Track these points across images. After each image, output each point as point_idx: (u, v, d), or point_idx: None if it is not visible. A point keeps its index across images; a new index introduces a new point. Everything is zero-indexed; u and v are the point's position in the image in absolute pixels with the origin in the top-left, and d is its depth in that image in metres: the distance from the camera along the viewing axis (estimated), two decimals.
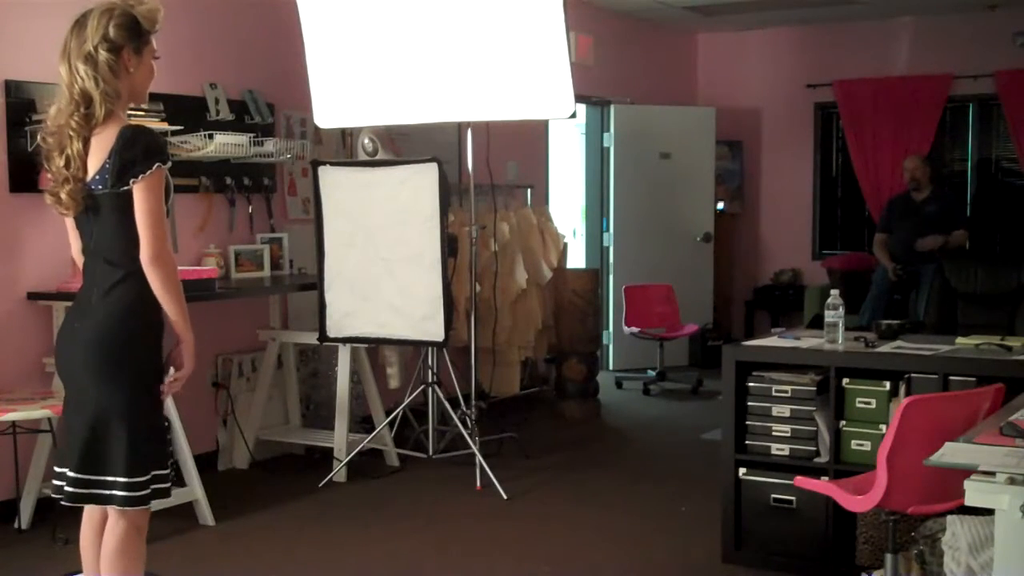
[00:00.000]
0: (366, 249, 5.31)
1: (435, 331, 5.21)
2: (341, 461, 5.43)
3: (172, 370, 3.00)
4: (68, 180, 2.85)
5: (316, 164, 5.43)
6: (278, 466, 5.72)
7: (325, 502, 5.09)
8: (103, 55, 2.82)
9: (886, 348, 3.98)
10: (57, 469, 2.99)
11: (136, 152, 2.81)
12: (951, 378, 3.68)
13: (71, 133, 2.84)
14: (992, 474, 2.19)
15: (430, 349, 5.59)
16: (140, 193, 2.81)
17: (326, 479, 5.35)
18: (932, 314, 7.16)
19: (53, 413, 4.33)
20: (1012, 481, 2.16)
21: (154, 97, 4.97)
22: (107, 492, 2.90)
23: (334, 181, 5.36)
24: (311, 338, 5.57)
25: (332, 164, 5.47)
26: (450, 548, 4.46)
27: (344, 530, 4.68)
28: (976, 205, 8.77)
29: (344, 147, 6.38)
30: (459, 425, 5.52)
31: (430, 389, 5.63)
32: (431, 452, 5.65)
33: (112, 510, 2.95)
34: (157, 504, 4.36)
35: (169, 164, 2.88)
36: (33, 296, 4.80)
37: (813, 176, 9.40)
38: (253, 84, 5.81)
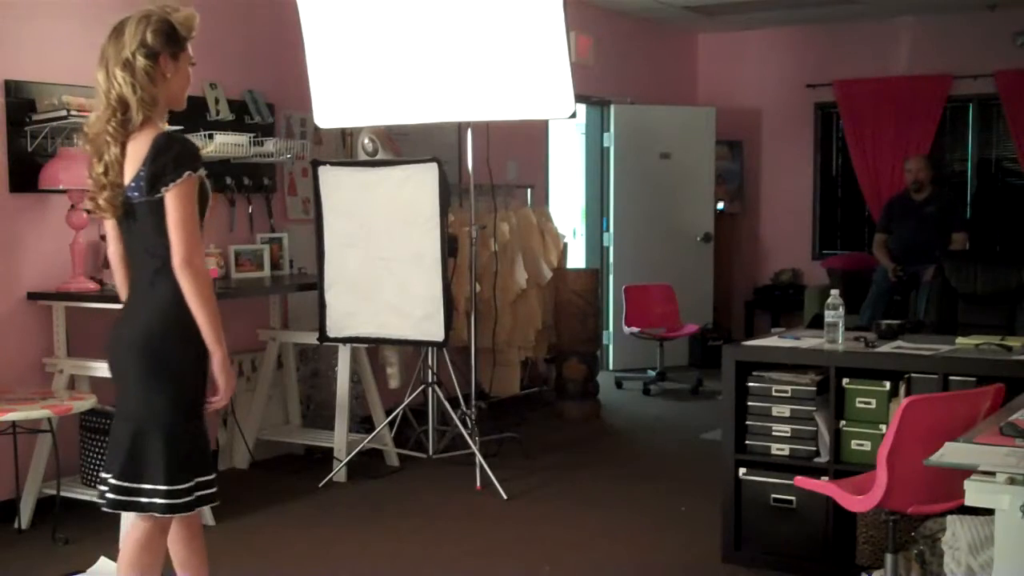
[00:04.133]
0: (366, 249, 5.30)
1: (435, 331, 5.20)
2: (341, 461, 5.43)
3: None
4: (106, 187, 2.88)
5: (316, 164, 5.43)
6: (278, 466, 5.72)
7: (325, 502, 5.09)
8: (141, 61, 2.84)
9: (886, 348, 3.98)
10: (103, 475, 3.01)
11: (167, 161, 2.82)
12: (951, 378, 3.68)
13: (108, 139, 2.86)
14: (992, 474, 2.19)
15: (430, 349, 5.59)
16: (171, 201, 2.82)
17: (326, 479, 5.35)
18: (932, 314, 7.15)
19: (53, 413, 4.34)
20: (1012, 481, 2.15)
21: None
22: (147, 500, 2.90)
23: (334, 181, 5.36)
24: (311, 338, 5.57)
25: (332, 164, 5.47)
26: (450, 548, 4.46)
27: (344, 530, 4.68)
28: (976, 205, 8.77)
29: (344, 147, 6.38)
30: (459, 425, 5.52)
31: (430, 389, 5.63)
32: (431, 452, 5.65)
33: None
34: None
35: (202, 172, 2.90)
36: (33, 296, 4.80)
37: (813, 176, 9.40)
38: (253, 84, 5.81)
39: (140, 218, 2.88)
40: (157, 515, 2.91)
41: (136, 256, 2.95)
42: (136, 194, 2.86)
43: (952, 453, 2.36)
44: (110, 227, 3.02)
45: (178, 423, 2.89)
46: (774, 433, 4.05)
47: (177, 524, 3.01)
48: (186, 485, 2.90)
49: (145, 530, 2.95)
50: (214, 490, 2.99)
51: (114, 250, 3.05)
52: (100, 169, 2.87)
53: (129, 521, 3.09)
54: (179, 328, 2.89)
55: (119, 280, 3.08)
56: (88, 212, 4.71)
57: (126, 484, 2.90)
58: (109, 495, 2.93)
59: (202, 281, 2.86)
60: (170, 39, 2.89)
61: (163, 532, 2.99)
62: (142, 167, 2.83)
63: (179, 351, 2.90)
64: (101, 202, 2.90)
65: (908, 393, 3.70)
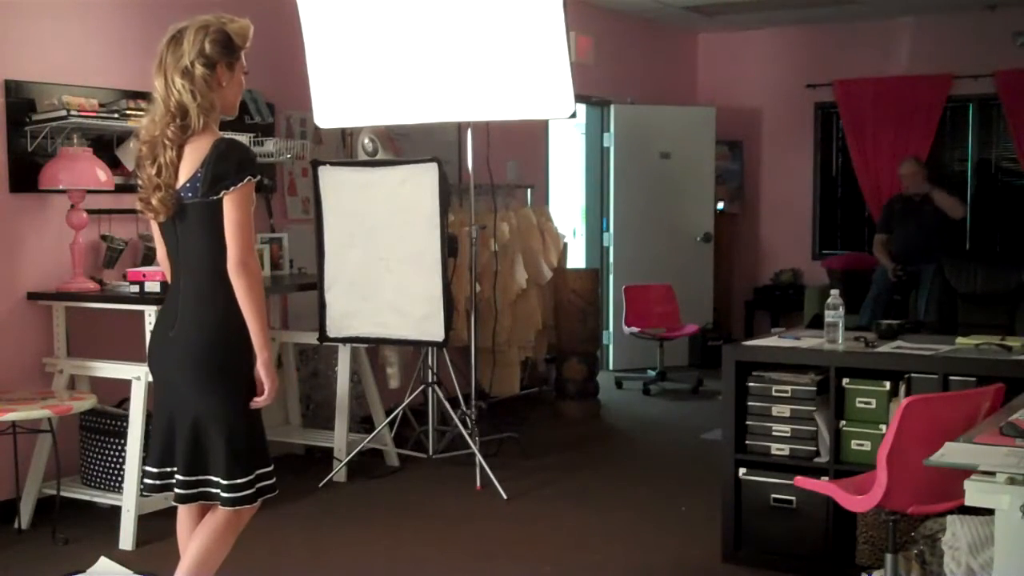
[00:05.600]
0: (366, 249, 5.31)
1: (435, 331, 5.20)
2: (341, 461, 5.44)
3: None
4: (160, 187, 2.95)
5: (316, 164, 5.43)
6: (278, 466, 5.64)
7: (325, 502, 5.10)
8: (200, 70, 2.93)
9: (886, 348, 3.98)
10: (149, 468, 3.09)
11: (230, 165, 2.92)
12: (951, 378, 3.68)
13: (167, 142, 2.94)
14: (992, 474, 2.19)
15: (430, 349, 5.59)
16: (230, 204, 2.91)
17: (326, 479, 5.35)
18: (932, 314, 7.16)
19: (53, 413, 4.34)
20: (1012, 481, 2.15)
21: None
22: (213, 491, 3.02)
23: (334, 181, 5.36)
24: (311, 338, 5.57)
25: (332, 164, 5.47)
26: (450, 548, 4.46)
27: (344, 530, 4.68)
28: (976, 205, 8.77)
29: (344, 147, 6.38)
30: (459, 425, 5.52)
31: (430, 389, 5.64)
32: (431, 452, 5.65)
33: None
34: (158, 504, 4.37)
35: (258, 177, 2.98)
36: (33, 296, 4.80)
37: (813, 176, 9.40)
38: (253, 84, 5.80)
39: (191, 219, 2.96)
40: (221, 507, 3.02)
41: (185, 257, 3.01)
42: (190, 195, 2.93)
43: (952, 453, 2.36)
44: (156, 229, 3.10)
45: (237, 420, 3.00)
46: (774, 433, 4.05)
47: (220, 516, 3.08)
48: (247, 479, 3.01)
49: (223, 519, 3.06)
50: (273, 480, 3.12)
51: (163, 252, 3.14)
52: (153, 171, 2.95)
53: (188, 516, 3.19)
54: (235, 330, 2.98)
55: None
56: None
57: (193, 477, 3.01)
58: (178, 490, 3.03)
59: (255, 283, 2.95)
60: (226, 49, 2.98)
61: (237, 526, 3.10)
62: (200, 169, 2.91)
63: (236, 352, 2.99)
64: (155, 202, 2.96)
65: (908, 393, 3.70)
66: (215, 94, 2.98)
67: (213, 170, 2.90)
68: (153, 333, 3.15)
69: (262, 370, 3.02)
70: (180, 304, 3.02)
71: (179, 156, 2.95)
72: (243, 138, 5.39)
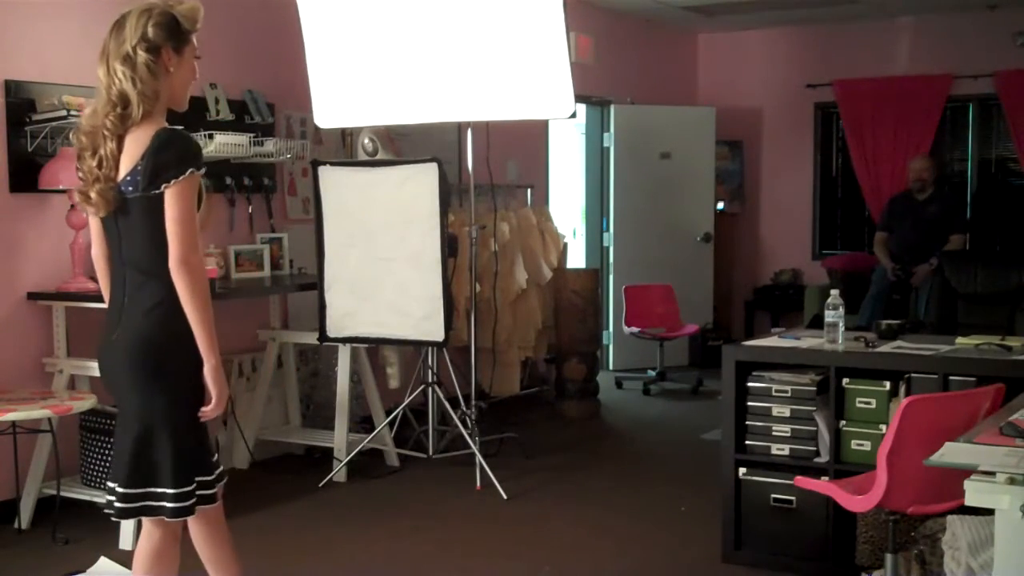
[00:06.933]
0: (366, 249, 5.31)
1: (435, 331, 5.21)
2: (341, 461, 5.44)
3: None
4: (99, 179, 2.79)
5: (316, 164, 5.43)
6: (278, 466, 5.72)
7: (325, 502, 5.10)
8: (142, 55, 2.77)
9: (886, 348, 3.98)
10: (109, 484, 2.94)
11: (170, 156, 2.75)
12: (951, 378, 3.68)
13: (106, 133, 2.78)
14: (992, 474, 2.19)
15: (430, 349, 5.59)
16: (171, 198, 2.73)
17: (326, 479, 5.35)
18: (932, 314, 7.15)
19: (53, 413, 4.34)
20: (1012, 481, 2.15)
21: None
22: (157, 504, 2.85)
23: (334, 181, 5.36)
24: (311, 338, 5.57)
25: (332, 164, 5.47)
26: (450, 548, 4.46)
27: (344, 530, 4.68)
28: (976, 205, 8.77)
29: (344, 147, 6.38)
30: (459, 425, 5.52)
31: (430, 389, 5.63)
32: (431, 452, 5.65)
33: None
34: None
35: (203, 170, 2.83)
36: (33, 296, 4.80)
37: (813, 176, 9.40)
38: (253, 84, 5.81)
39: (134, 214, 2.80)
40: (166, 519, 2.86)
41: (127, 254, 2.85)
42: (131, 188, 2.77)
43: (952, 453, 2.36)
44: (94, 225, 2.94)
45: (180, 424, 2.83)
46: (774, 433, 4.05)
47: (200, 524, 2.97)
48: (190, 487, 2.85)
49: (158, 539, 2.92)
50: (213, 491, 2.93)
51: (98, 250, 2.97)
52: (93, 163, 2.79)
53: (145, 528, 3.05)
54: (176, 328, 2.80)
55: (104, 281, 3.00)
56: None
57: (133, 491, 2.84)
58: (117, 504, 2.86)
59: (198, 281, 2.77)
60: (173, 32, 2.82)
61: (175, 540, 2.95)
62: (140, 161, 2.75)
63: (177, 351, 2.81)
64: (93, 195, 2.80)
65: (908, 393, 3.70)
66: (160, 82, 2.79)
67: (153, 161, 2.73)
68: (100, 339, 2.93)
69: (209, 377, 2.81)
70: (125, 305, 2.85)
71: (120, 148, 2.78)
72: (243, 138, 5.40)
